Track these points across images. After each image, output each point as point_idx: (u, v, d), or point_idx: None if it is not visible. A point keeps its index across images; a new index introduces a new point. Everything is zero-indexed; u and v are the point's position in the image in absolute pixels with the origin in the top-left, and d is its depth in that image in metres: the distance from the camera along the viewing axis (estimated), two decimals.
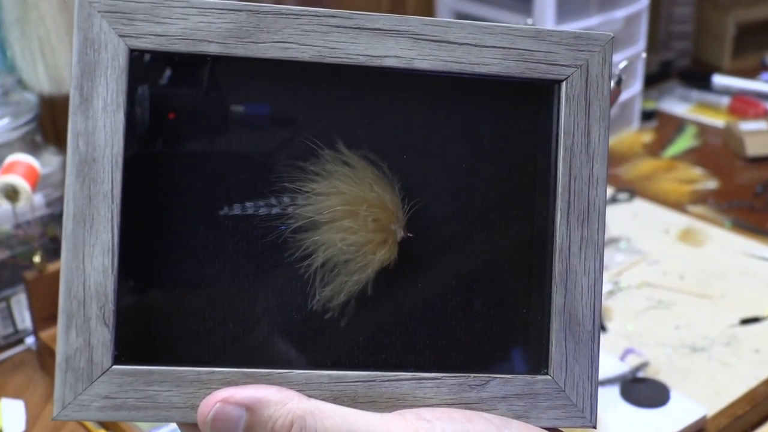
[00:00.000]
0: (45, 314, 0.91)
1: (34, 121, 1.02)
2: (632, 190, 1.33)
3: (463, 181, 0.39)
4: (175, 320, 0.37)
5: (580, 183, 0.38)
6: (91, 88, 0.35)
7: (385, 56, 0.37)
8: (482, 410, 0.37)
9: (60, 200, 1.01)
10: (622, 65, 0.81)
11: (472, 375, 0.38)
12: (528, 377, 0.38)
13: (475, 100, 0.39)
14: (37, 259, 0.90)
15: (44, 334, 0.91)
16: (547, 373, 0.38)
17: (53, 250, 0.99)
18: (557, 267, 0.38)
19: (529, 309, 0.39)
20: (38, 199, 0.98)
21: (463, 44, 0.38)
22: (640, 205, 1.30)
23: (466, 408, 0.37)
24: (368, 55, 0.37)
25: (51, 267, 0.91)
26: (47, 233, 1.00)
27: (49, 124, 1.13)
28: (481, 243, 0.39)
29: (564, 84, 0.38)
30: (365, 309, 0.38)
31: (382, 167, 0.38)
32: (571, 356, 0.38)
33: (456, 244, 0.39)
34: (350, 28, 0.37)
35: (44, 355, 0.92)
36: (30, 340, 0.97)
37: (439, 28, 0.37)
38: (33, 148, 1.01)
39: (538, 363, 0.38)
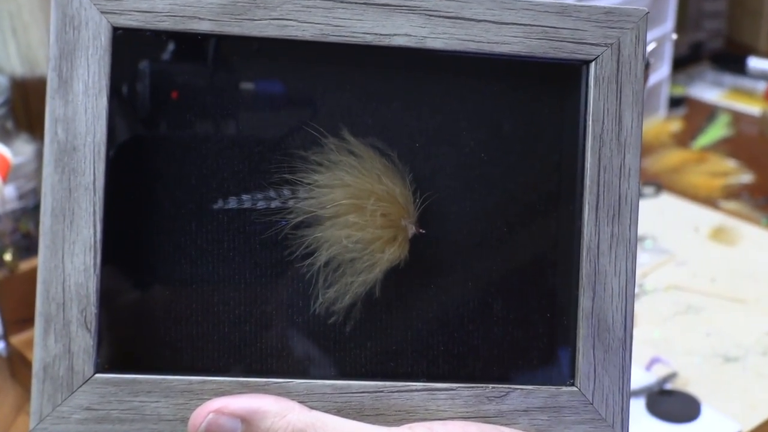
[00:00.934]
0: (17, 317, 0.91)
1: (5, 106, 1.02)
2: (659, 183, 1.33)
3: (480, 172, 0.39)
4: (164, 324, 0.37)
5: (611, 174, 0.38)
6: (71, 69, 0.35)
7: (395, 35, 0.37)
8: (501, 424, 0.37)
9: (34, 192, 1.01)
10: (649, 47, 0.81)
11: (490, 386, 0.37)
12: (552, 388, 0.38)
13: (494, 82, 0.39)
14: (8, 257, 0.90)
15: (16, 339, 0.91)
16: (573, 384, 0.38)
17: (26, 248, 0.99)
18: (585, 267, 0.38)
19: (553, 313, 0.39)
20: (9, 191, 0.98)
21: (480, 21, 0.37)
22: (667, 200, 1.29)
23: (483, 422, 0.37)
24: (376, 34, 0.37)
25: (24, 265, 0.91)
26: (19, 229, 1.00)
27: (22, 110, 1.13)
28: (501, 240, 0.39)
29: (593, 65, 0.38)
30: (373, 312, 0.38)
31: (392, 157, 0.38)
32: (599, 366, 0.38)
33: (473, 242, 0.39)
34: (356, 3, 0.37)
35: (16, 362, 0.92)
36: (0, 346, 0.97)
37: (455, 3, 0.37)
38: (4, 136, 1.00)
39: (564, 373, 0.38)
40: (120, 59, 0.36)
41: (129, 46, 0.36)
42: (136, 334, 0.37)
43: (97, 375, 0.35)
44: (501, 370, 0.39)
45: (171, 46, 0.37)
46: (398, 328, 0.38)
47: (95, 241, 0.35)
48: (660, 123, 1.54)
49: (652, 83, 1.50)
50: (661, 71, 1.53)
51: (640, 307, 1.02)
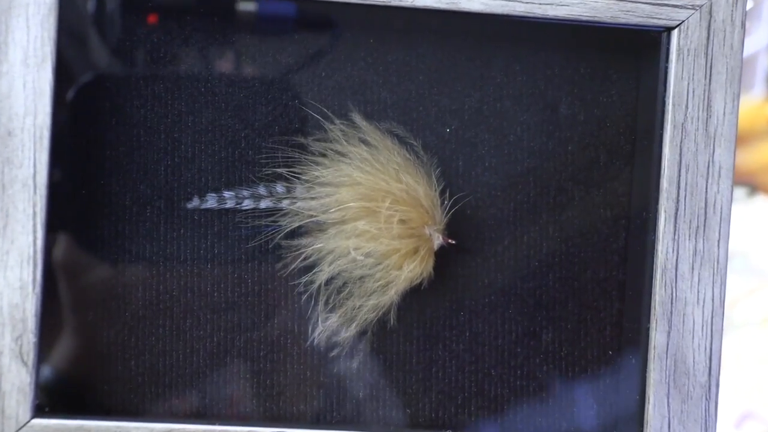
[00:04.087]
0: None
1: None
2: (752, 184, 1.32)
3: (528, 167, 0.39)
4: (119, 357, 0.37)
5: (695, 174, 0.38)
6: (5, 34, 0.35)
7: None
8: None
9: None
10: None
11: None
12: None
13: (547, 54, 0.39)
14: None
15: None
16: None
17: None
18: (659, 292, 0.38)
19: (618, 349, 0.39)
20: None
21: None
22: (763, 206, 1.29)
23: None
24: None
25: None
26: None
27: None
28: (554, 255, 0.39)
29: (675, 33, 0.37)
30: (386, 345, 0.38)
31: (415, 147, 0.38)
32: (675, 419, 0.38)
33: (516, 255, 0.39)
34: None
35: None
36: None
37: None
38: None
39: (629, 425, 0.38)
40: (68, 21, 0.36)
41: (79, 5, 0.37)
42: (85, 370, 0.37)
43: (35, 420, 0.35)
44: (549, 421, 0.39)
45: (126, 8, 0.37)
46: (418, 364, 0.38)
47: (35, 251, 0.35)
48: (756, 106, 1.53)
49: (746, 54, 1.50)
50: (758, 38, 1.52)
51: (728, 346, 1.02)
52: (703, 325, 0.38)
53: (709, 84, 0.38)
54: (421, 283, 0.38)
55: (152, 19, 0.37)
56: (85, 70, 0.37)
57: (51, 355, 0.37)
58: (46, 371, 0.36)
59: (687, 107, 0.38)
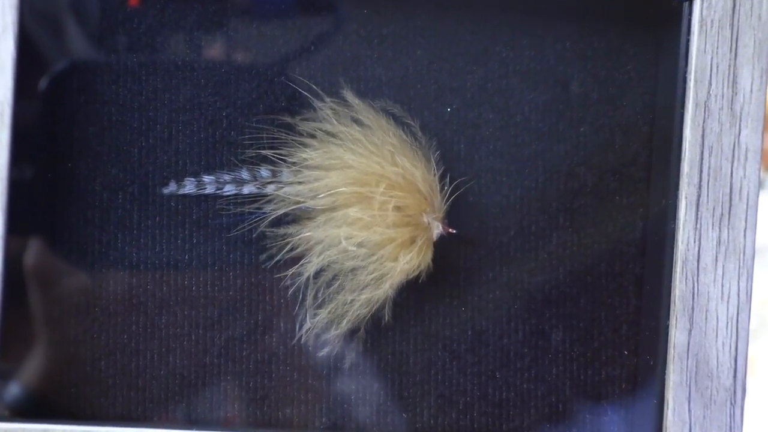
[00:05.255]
0: None
1: None
2: None
3: (537, 149, 0.38)
4: (87, 357, 0.37)
5: (719, 157, 0.37)
6: None
7: None
8: None
9: None
10: None
11: None
12: None
13: (557, 26, 0.38)
14: None
15: None
16: None
17: None
18: (680, 287, 0.37)
19: (635, 349, 0.39)
20: None
21: None
22: None
23: None
24: None
25: None
26: None
27: None
28: (564, 246, 0.39)
29: (698, 2, 0.37)
30: (380, 343, 0.38)
31: (412, 127, 0.37)
32: (697, 425, 0.37)
33: (523, 247, 0.38)
34: None
35: None
36: None
37: None
38: None
39: None
40: None
41: None
42: (51, 370, 0.37)
43: None
44: (558, 428, 0.38)
45: None
46: (415, 365, 0.38)
47: None
48: None
49: None
50: None
51: (760, 348, 1.01)
52: (727, 323, 0.37)
53: (735, 58, 0.37)
54: (418, 276, 0.37)
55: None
56: (51, 43, 0.37)
57: (12, 355, 0.36)
58: (7, 372, 0.37)
59: (710, 84, 0.37)
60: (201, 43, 0.37)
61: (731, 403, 0.37)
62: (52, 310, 0.37)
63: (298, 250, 0.37)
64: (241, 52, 0.38)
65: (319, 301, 0.37)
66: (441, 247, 0.37)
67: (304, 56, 0.38)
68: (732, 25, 0.37)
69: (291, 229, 0.37)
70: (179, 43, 0.37)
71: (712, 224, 0.37)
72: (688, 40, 0.37)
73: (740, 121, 0.37)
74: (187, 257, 0.37)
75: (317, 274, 0.37)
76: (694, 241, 0.37)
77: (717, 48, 0.37)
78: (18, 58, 0.35)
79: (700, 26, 0.37)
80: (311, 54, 0.38)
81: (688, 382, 0.37)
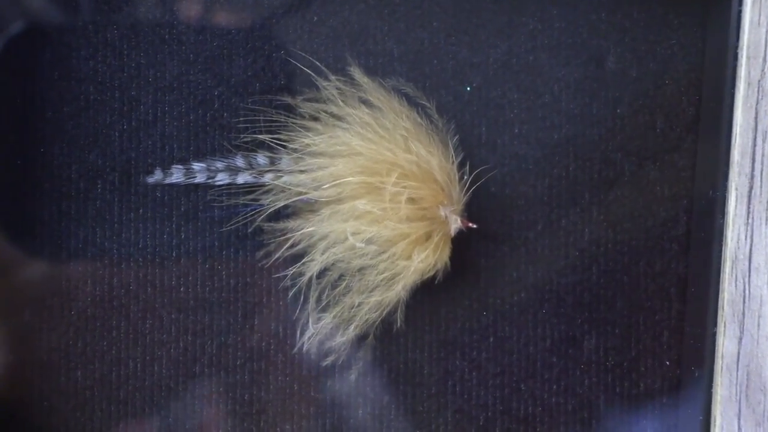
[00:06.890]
0: None
1: None
2: None
3: (568, 135, 0.38)
4: (62, 366, 0.37)
5: None
6: None
7: None
8: None
9: None
10: None
11: None
12: None
13: None
14: None
15: None
16: None
17: None
18: (729, 289, 0.36)
19: (678, 359, 0.38)
20: None
21: None
22: None
23: None
24: None
25: None
26: None
27: None
28: (597, 243, 0.38)
29: None
30: (392, 351, 0.38)
31: (428, 108, 0.37)
32: None
33: (552, 243, 0.38)
34: None
35: None
36: None
37: None
38: None
39: None
40: None
41: None
42: (21, 381, 0.37)
43: None
44: None
45: None
46: (431, 376, 0.38)
47: None
48: None
49: None
50: None
51: None
52: None
53: None
54: (434, 277, 0.37)
55: None
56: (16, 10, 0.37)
57: None
58: None
59: (765, 61, 0.37)
60: (190, 13, 0.37)
61: None
62: (23, 314, 0.37)
63: (300, 246, 0.37)
64: (235, 23, 0.37)
65: (323, 304, 0.37)
66: (459, 243, 0.37)
67: (306, 27, 0.37)
68: None
69: (291, 224, 0.37)
70: (165, 12, 0.37)
71: (766, 219, 0.37)
72: (740, 11, 0.37)
73: None
74: (174, 254, 0.37)
75: (321, 273, 0.37)
76: (746, 238, 0.37)
77: None
78: None
79: None
80: (314, 25, 0.37)
81: (738, 397, 0.37)
